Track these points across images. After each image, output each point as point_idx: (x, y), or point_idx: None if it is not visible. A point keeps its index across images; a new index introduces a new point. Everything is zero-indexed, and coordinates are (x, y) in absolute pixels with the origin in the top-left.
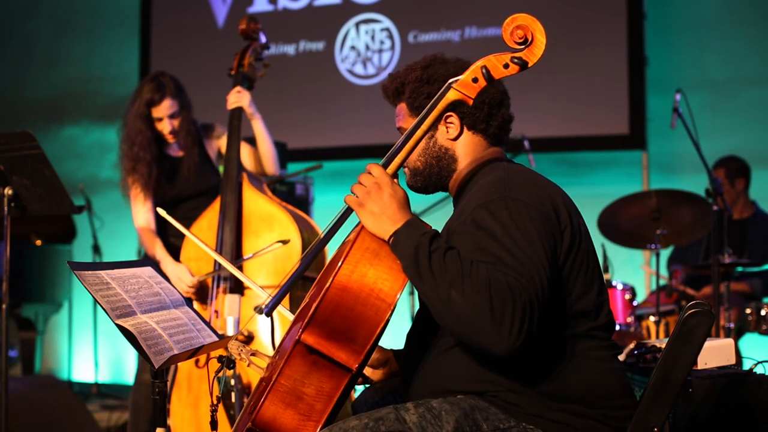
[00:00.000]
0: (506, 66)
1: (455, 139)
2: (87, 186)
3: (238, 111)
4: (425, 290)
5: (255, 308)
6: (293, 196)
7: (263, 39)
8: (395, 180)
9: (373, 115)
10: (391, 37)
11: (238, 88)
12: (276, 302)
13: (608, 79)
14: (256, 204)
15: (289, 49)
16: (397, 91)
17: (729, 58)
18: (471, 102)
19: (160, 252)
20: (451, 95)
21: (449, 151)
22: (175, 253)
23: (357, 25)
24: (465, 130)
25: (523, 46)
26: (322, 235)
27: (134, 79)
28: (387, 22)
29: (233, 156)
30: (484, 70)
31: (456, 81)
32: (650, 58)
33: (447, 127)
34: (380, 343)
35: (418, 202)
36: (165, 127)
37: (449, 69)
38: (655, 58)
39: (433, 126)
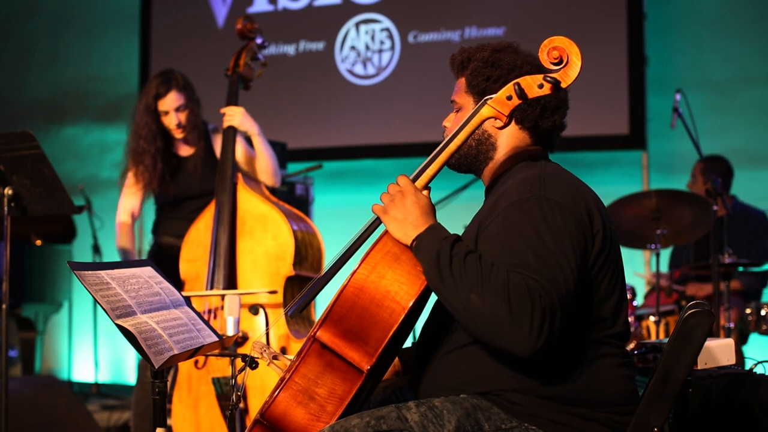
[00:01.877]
0: (540, 86)
1: (501, 128)
2: (87, 186)
3: (232, 127)
4: (446, 294)
5: (250, 308)
6: (293, 196)
7: (260, 39)
8: (425, 191)
9: (373, 115)
10: (391, 37)
11: (227, 109)
12: (299, 306)
13: (608, 79)
14: (251, 204)
15: (289, 49)
16: (462, 64)
17: (729, 58)
18: (504, 120)
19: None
20: (486, 112)
21: (491, 139)
22: (172, 253)
23: (357, 25)
24: (513, 123)
25: (558, 67)
26: (350, 244)
27: (134, 79)
28: (387, 22)
29: (228, 158)
30: (517, 88)
31: (491, 98)
32: (650, 58)
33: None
34: None
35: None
36: (171, 120)
37: (517, 60)
38: (655, 58)
39: (465, 142)
